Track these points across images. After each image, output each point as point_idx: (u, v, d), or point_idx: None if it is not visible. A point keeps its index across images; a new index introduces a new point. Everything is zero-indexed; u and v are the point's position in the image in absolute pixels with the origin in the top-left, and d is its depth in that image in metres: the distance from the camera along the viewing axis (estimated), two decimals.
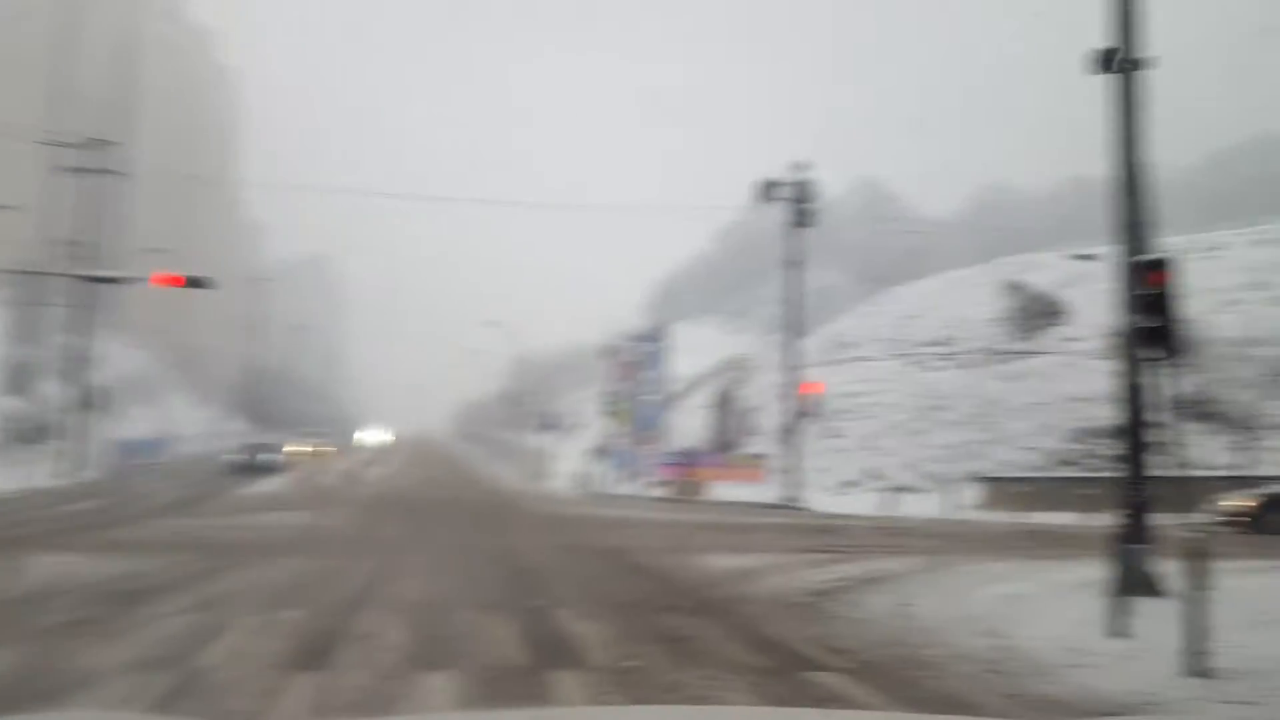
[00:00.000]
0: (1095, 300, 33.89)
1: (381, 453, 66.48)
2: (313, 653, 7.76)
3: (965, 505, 26.07)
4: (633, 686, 6.80)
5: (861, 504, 27.45)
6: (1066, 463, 29.83)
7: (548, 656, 7.71)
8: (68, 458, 36.33)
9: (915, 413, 33.04)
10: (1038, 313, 36.76)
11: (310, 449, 56.18)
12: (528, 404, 59.33)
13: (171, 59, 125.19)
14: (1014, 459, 30.07)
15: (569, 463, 47.26)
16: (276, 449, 46.59)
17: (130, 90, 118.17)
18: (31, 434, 45.03)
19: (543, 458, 48.42)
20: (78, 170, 38.48)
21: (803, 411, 30.65)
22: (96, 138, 38.18)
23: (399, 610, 9.70)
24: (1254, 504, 19.86)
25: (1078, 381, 31.94)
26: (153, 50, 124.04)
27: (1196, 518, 16.47)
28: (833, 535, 19.64)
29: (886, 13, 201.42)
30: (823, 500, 28.57)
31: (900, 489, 28.31)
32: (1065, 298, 37.39)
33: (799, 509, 27.52)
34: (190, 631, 8.56)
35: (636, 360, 43.03)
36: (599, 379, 52.64)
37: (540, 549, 16.11)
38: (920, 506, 26.21)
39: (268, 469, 41.64)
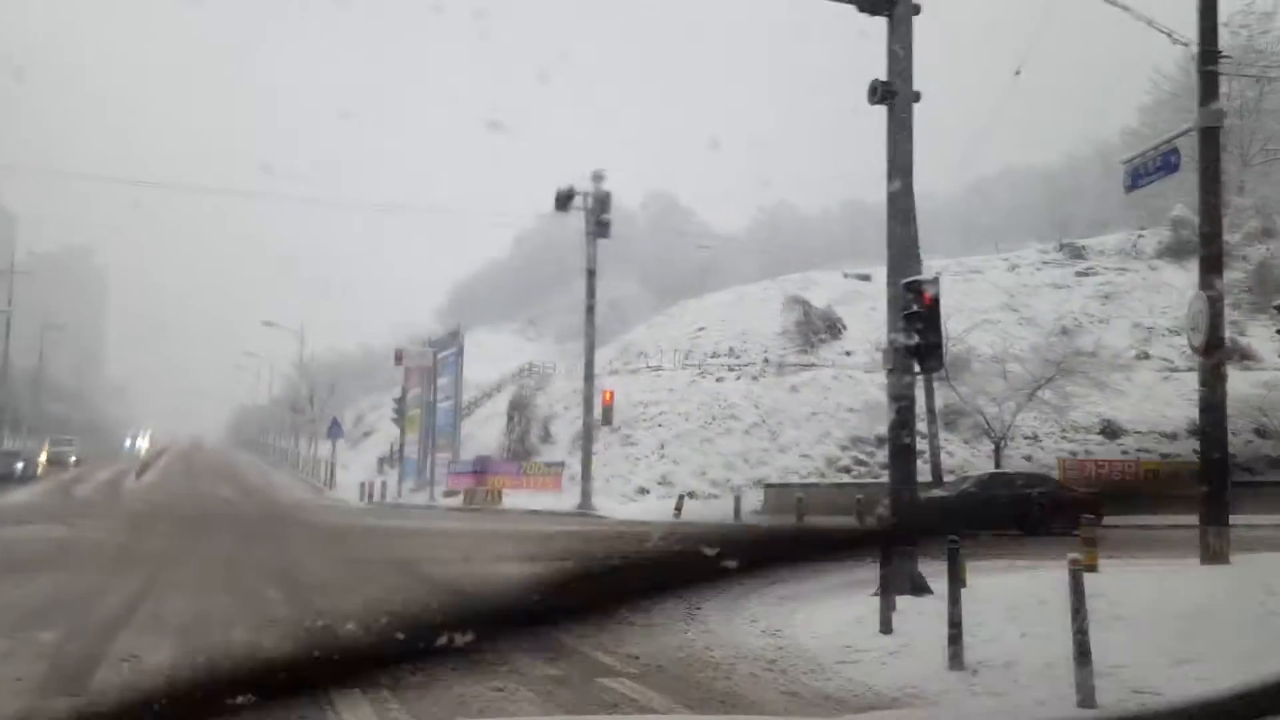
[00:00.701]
0: (868, 316, 36.17)
1: (148, 460, 62.09)
2: (69, 678, 7.16)
3: (751, 510, 27.09)
4: (421, 703, 6.65)
5: (653, 510, 28.00)
6: (843, 469, 31.57)
7: (327, 677, 7.41)
8: None
9: (704, 421, 34.06)
10: (817, 327, 38.76)
11: (72, 456, 51.88)
12: (312, 410, 56.95)
13: None
14: (795, 465, 31.54)
15: (357, 473, 45.74)
16: (29, 456, 42.80)
17: None
18: None
19: (328, 466, 46.62)
20: None
21: (597, 419, 31.00)
22: None
23: (166, 631, 9.10)
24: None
25: (852, 393, 33.90)
26: None
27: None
28: (623, 540, 19.95)
29: (694, 40, 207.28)
30: (616, 507, 28.95)
31: (689, 495, 29.08)
32: (841, 313, 39.63)
33: (593, 516, 27.78)
34: None
35: (430, 366, 42.18)
36: (391, 386, 51.30)
37: (323, 562, 15.52)
38: (708, 511, 27.02)
39: (19, 478, 38.15)
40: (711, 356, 39.12)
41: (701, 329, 42.70)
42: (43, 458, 46.73)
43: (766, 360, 37.59)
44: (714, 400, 35.06)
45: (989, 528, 19.87)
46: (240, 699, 2.53)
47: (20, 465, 40.01)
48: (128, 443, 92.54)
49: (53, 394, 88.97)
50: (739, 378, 36.60)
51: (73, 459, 51.33)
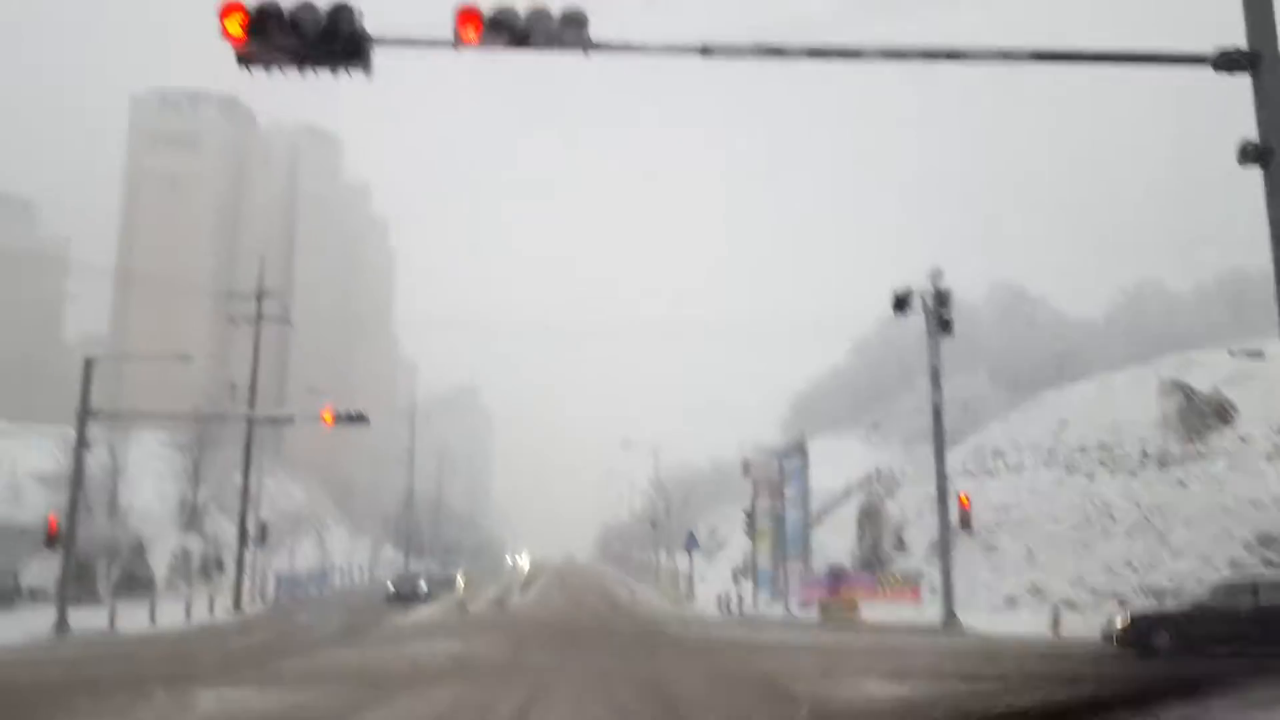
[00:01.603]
0: (1264, 398, 31.95)
1: (527, 578, 66.93)
2: None
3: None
4: None
5: (1025, 623, 26.00)
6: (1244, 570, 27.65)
7: None
8: (236, 592, 38.04)
9: (1076, 524, 31.40)
10: (1203, 413, 34.74)
11: (460, 578, 57.28)
12: (668, 525, 59.12)
13: (328, 212, 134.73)
14: (1192, 570, 28.08)
15: (713, 584, 46.61)
16: (431, 578, 47.74)
17: (290, 242, 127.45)
18: (203, 569, 47.49)
19: (686, 579, 47.90)
20: (245, 321, 41.39)
21: (955, 526, 29.55)
22: (262, 291, 41.14)
23: None
24: None
25: (1251, 485, 29.84)
26: (311, 205, 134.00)
27: None
28: (994, 662, 18.62)
29: (1009, 116, 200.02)
30: (982, 620, 27.20)
31: (1068, 605, 26.70)
32: (1232, 396, 35.29)
33: (959, 631, 26.26)
34: None
35: (777, 477, 42.49)
36: (740, 497, 52.18)
37: (689, 677, 15.87)
38: (1089, 627, 24.62)
39: (423, 597, 42.63)
40: (1079, 451, 36.21)
41: (1064, 423, 39.75)
42: (458, 580, 52.29)
43: (1145, 454, 34.13)
44: (1086, 500, 32.33)
45: None
46: None
47: (423, 587, 44.65)
48: (509, 561, 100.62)
49: (449, 520, 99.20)
50: (1113, 474, 33.52)
51: (460, 581, 56.34)
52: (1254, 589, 19.00)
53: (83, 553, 32.55)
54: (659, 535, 62.62)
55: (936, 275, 28.86)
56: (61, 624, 28.09)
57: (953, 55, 10.37)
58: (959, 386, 50.04)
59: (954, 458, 36.34)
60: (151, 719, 12.13)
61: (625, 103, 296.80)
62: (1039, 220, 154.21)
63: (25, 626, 27.35)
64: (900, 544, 36.63)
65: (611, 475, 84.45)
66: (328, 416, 34.34)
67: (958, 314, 29.99)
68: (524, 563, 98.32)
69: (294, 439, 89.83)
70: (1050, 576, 30.10)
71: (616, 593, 51.26)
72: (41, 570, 33.46)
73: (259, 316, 40.86)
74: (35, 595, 33.02)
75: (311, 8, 8.90)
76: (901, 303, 28.16)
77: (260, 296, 41.08)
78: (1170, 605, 20.04)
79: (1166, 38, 11.19)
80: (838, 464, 55.83)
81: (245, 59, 8.96)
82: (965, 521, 29.57)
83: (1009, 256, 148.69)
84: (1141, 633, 18.71)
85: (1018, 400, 52.72)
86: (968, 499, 30.39)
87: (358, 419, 33.94)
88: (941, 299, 28.69)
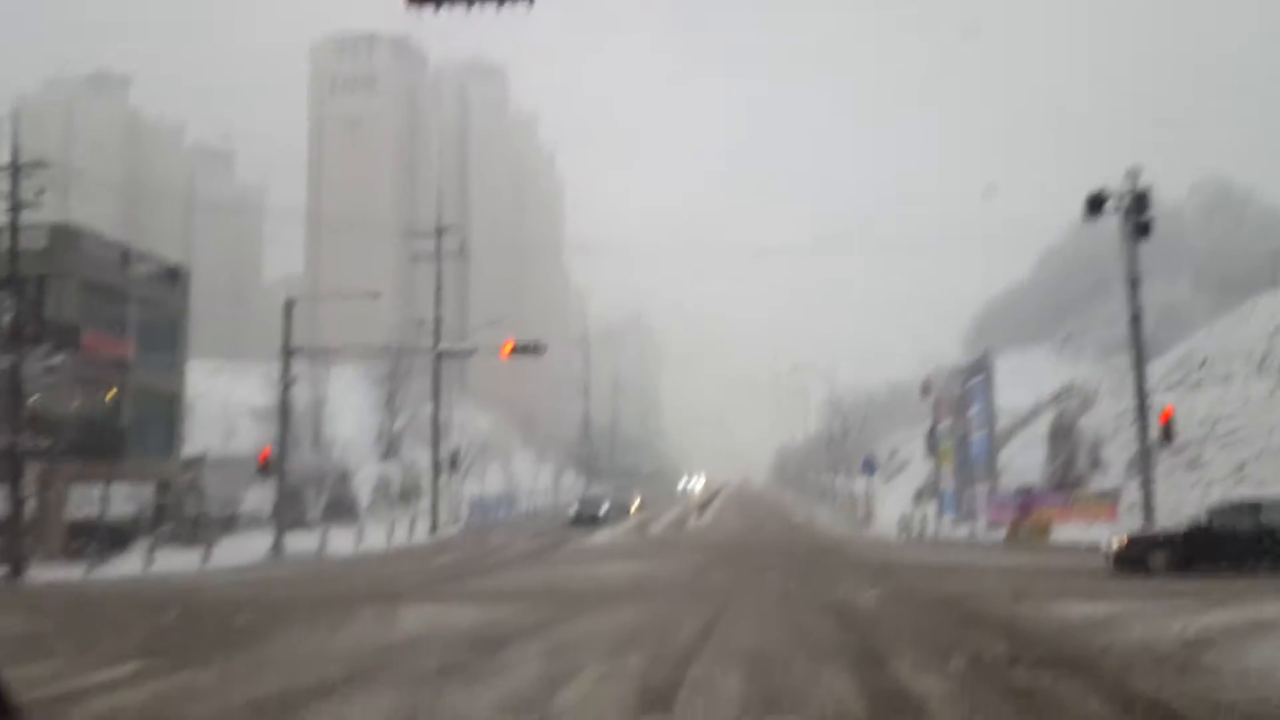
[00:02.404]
0: None
1: (703, 501, 67.80)
2: (657, 700, 8.00)
3: None
4: None
5: None
6: None
7: (888, 712, 7.45)
8: (433, 516, 40.23)
9: None
10: None
11: (637, 502, 58.63)
12: (845, 447, 58.40)
13: (498, 145, 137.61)
14: None
15: (893, 507, 45.89)
16: (612, 501, 49.01)
17: (464, 177, 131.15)
18: (402, 495, 50.42)
19: (864, 502, 47.35)
20: (427, 257, 42.99)
21: (1155, 440, 27.79)
22: (441, 226, 42.55)
23: (734, 660, 9.79)
24: None
25: None
26: (481, 139, 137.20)
27: None
28: (1202, 579, 17.57)
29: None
30: None
31: None
32: None
33: None
34: (545, 676, 9.12)
35: (960, 395, 41.08)
36: (920, 419, 50.87)
37: (870, 597, 15.68)
38: None
39: (603, 520, 43.91)
40: None
41: (1279, 328, 36.57)
42: (634, 503, 53.44)
43: None
44: None
45: None
46: None
47: (604, 509, 45.94)
48: (684, 485, 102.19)
49: (625, 445, 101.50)
50: None
51: (637, 504, 57.51)
52: (1256, 509, 19.21)
53: (293, 481, 35.05)
54: (835, 458, 61.98)
55: (1133, 174, 26.75)
56: (278, 547, 30.52)
57: None
58: (1160, 292, 46.81)
59: (1155, 369, 34.12)
60: (361, 630, 13.00)
61: (792, 22, 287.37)
62: (1247, 106, 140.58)
63: (246, 550, 29.85)
64: (1096, 461, 34.87)
65: (786, 398, 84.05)
66: (507, 348, 35.45)
67: (1157, 214, 27.78)
68: (699, 486, 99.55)
69: (477, 370, 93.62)
70: (1264, 492, 28.02)
71: (794, 515, 51.29)
72: (257, 498, 36.28)
73: (439, 252, 42.36)
74: (253, 521, 35.88)
75: None
76: (1095, 205, 26.27)
77: (439, 233, 42.53)
78: (1169, 526, 20.24)
79: None
80: (1026, 380, 53.50)
81: None
82: (1168, 436, 27.76)
83: (1213, 149, 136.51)
84: (1138, 553, 18.95)
85: (1226, 305, 48.81)
86: (1170, 412, 28.47)
87: (535, 349, 34.90)
88: (1139, 199, 26.62)
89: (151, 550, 26.40)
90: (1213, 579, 17.13)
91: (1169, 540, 19.17)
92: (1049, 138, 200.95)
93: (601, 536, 35.85)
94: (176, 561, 26.44)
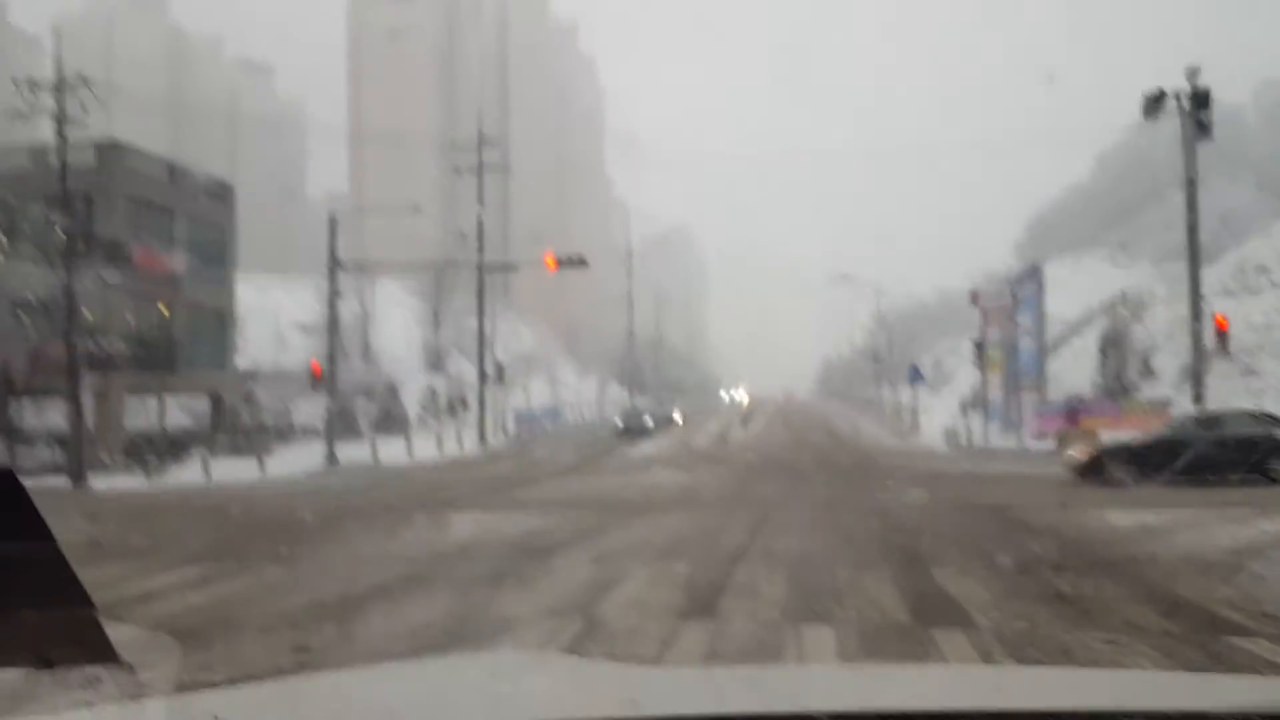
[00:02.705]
0: None
1: (747, 413, 68.12)
2: (701, 603, 8.17)
3: None
4: (1024, 647, 6.47)
5: None
6: None
7: (929, 615, 7.54)
8: (480, 427, 40.88)
9: None
10: None
11: (680, 414, 58.95)
12: (891, 359, 58.06)
13: (538, 56, 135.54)
14: None
15: (939, 418, 45.73)
16: (655, 414, 49.39)
17: (503, 88, 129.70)
18: (449, 407, 51.22)
19: (911, 413, 47.22)
20: (468, 170, 42.80)
21: (1209, 348, 27.27)
22: (482, 138, 42.24)
23: (777, 565, 9.93)
24: None
25: None
26: (521, 50, 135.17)
27: None
28: (1254, 486, 17.41)
29: None
30: None
31: None
32: None
33: None
34: (591, 582, 9.33)
35: (1010, 304, 40.48)
36: (968, 330, 50.32)
37: (915, 506, 15.77)
38: None
39: (649, 432, 44.33)
40: None
41: None
42: (677, 416, 53.65)
43: None
44: None
45: None
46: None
47: (649, 421, 46.34)
48: (729, 397, 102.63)
49: (669, 358, 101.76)
50: None
51: (680, 416, 57.46)
52: (1219, 421, 20.01)
53: (343, 393, 35.72)
54: (881, 369, 61.71)
55: (1193, 73, 25.73)
56: (331, 457, 31.27)
57: None
58: (1219, 197, 45.39)
59: (1212, 275, 33.34)
60: (415, 537, 13.36)
61: None
62: None
63: (300, 460, 30.61)
64: (1148, 370, 34.41)
65: (832, 309, 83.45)
66: (550, 261, 35.47)
67: (1219, 116, 26.79)
68: (744, 398, 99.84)
69: (520, 284, 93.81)
70: None
71: (838, 427, 51.35)
72: (309, 410, 37.05)
73: (480, 166, 42.15)
74: (305, 432, 36.73)
75: None
76: (1154, 105, 25.38)
77: (481, 146, 42.25)
78: (1133, 438, 20.57)
79: None
80: (1078, 288, 52.58)
81: None
82: (1223, 343, 27.23)
83: (1277, 52, 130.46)
84: (1100, 463, 19.27)
85: None
86: (1225, 319, 27.86)
87: (578, 263, 34.89)
88: (1200, 99, 25.65)
89: (208, 460, 27.19)
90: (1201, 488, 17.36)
91: (1129, 450, 19.58)
92: (1110, 36, 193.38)
93: (647, 448, 36.24)
94: (234, 471, 27.21)
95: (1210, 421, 20.21)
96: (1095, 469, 19.25)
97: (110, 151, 30.49)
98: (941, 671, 3.99)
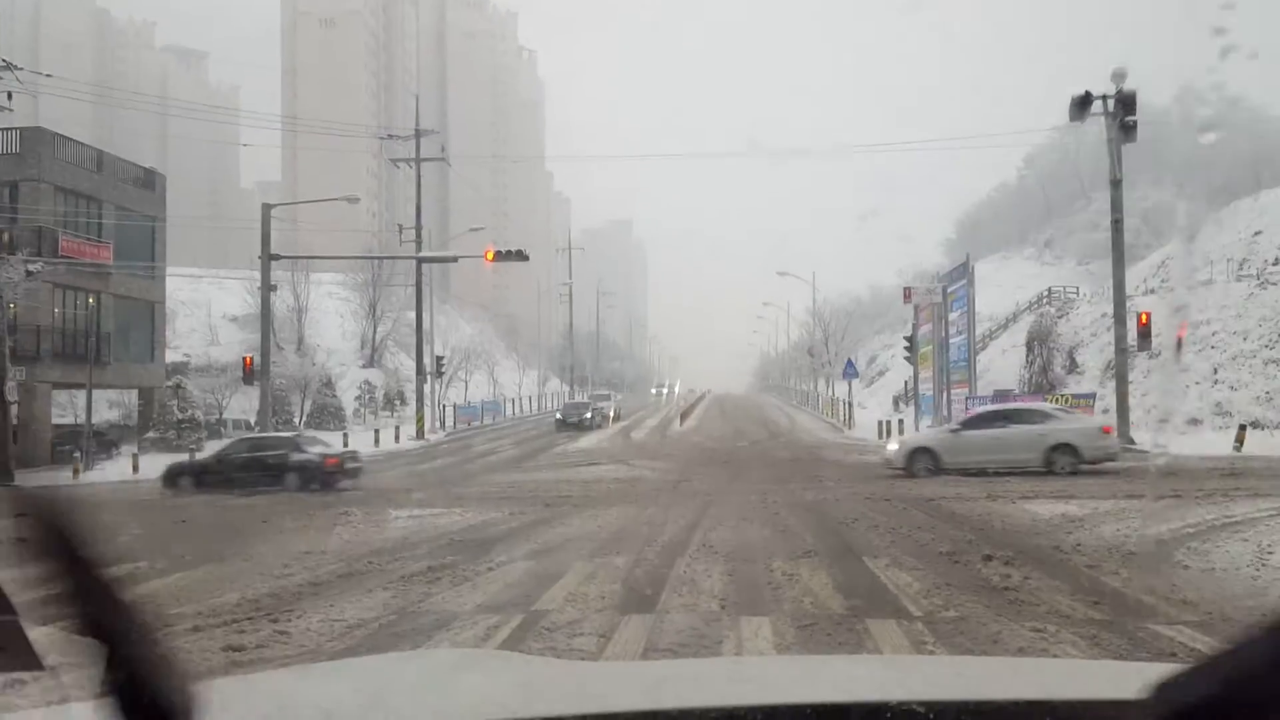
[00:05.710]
0: None
1: (686, 407, 68.50)
2: (640, 597, 8.23)
3: None
4: (955, 636, 6.64)
5: (1208, 444, 24.88)
6: None
7: (864, 605, 7.70)
8: (419, 421, 40.49)
9: (1269, 340, 29.39)
10: None
11: (617, 407, 58.92)
12: (827, 354, 58.76)
13: (477, 45, 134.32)
14: None
15: (873, 412, 46.44)
16: (596, 407, 49.35)
17: (442, 79, 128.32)
18: (387, 401, 50.63)
19: (846, 407, 47.85)
20: (406, 161, 42.29)
21: (1132, 345, 28.13)
22: (419, 130, 41.75)
23: (715, 558, 10.05)
24: None
25: None
26: (460, 39, 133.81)
27: None
28: (1174, 479, 18.00)
29: None
30: (1161, 441, 26.16)
31: (1252, 425, 25.36)
32: None
33: (1134, 451, 25.39)
34: (530, 577, 9.35)
35: (940, 301, 41.22)
36: (901, 326, 51.18)
37: (849, 498, 16.01)
38: (1272, 445, 23.39)
39: (588, 425, 44.30)
40: (1275, 264, 33.58)
41: (1258, 233, 36.79)
42: (611, 412, 53.44)
43: None
44: (1279, 314, 30.14)
45: None
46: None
47: (589, 415, 46.31)
48: (668, 391, 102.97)
49: (608, 352, 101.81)
50: None
51: (612, 411, 56.67)
52: (261, 443, 22.52)
53: (277, 387, 35.12)
54: (817, 364, 62.38)
55: (1119, 76, 26.50)
56: None
57: None
58: (1142, 198, 46.72)
59: (1135, 274, 34.35)
60: (351, 533, 13.22)
61: None
62: (1245, 6, 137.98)
63: None
64: (1073, 365, 35.33)
65: (769, 305, 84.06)
66: (489, 254, 35.21)
67: (1143, 118, 27.60)
68: (683, 392, 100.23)
69: (460, 277, 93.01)
70: (1236, 395, 28.53)
71: (775, 420, 51.85)
72: (241, 404, 36.39)
73: (418, 157, 41.67)
74: (238, 426, 36.05)
75: None
76: (1081, 106, 26.07)
77: (418, 136, 41.76)
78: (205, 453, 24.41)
79: None
80: (1006, 286, 53.77)
81: None
82: (1145, 339, 28.09)
83: (1202, 51, 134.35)
84: (172, 474, 21.71)
85: (1207, 212, 48.90)
86: (1148, 316, 28.77)
87: (517, 256, 34.67)
88: (1125, 102, 26.41)
89: (136, 456, 26.57)
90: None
91: (196, 467, 22.21)
92: (1037, 41, 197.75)
93: (586, 441, 36.22)
94: (163, 466, 26.61)
95: (252, 443, 22.97)
96: (168, 479, 21.47)
97: (35, 138, 29.58)
98: (874, 663, 4.10)
